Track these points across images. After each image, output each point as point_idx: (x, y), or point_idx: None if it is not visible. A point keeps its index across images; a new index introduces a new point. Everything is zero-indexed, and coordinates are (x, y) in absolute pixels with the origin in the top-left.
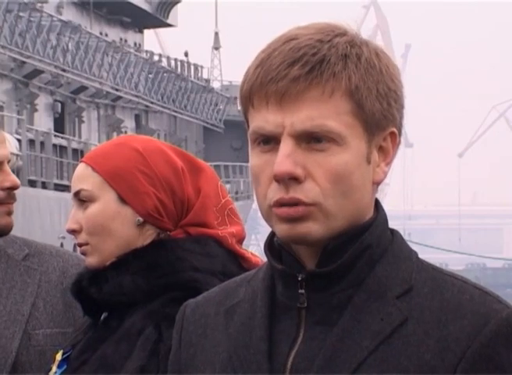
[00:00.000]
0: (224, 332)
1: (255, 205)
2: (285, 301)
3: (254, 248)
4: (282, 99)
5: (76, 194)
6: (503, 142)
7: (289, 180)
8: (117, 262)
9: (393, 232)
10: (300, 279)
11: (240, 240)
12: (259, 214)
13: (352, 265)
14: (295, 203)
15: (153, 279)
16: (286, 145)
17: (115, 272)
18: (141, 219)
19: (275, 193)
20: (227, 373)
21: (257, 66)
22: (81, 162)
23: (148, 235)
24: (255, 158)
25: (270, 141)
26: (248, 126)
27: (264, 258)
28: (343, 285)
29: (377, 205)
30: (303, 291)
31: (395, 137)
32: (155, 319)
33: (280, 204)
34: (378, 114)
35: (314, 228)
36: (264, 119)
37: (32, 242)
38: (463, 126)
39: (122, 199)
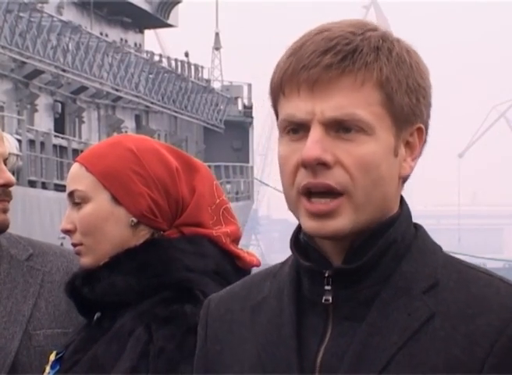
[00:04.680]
0: (251, 329)
1: (255, 206)
2: (312, 297)
3: (254, 248)
4: (314, 86)
5: (71, 195)
6: (503, 142)
7: (317, 165)
8: (110, 262)
9: (417, 227)
10: (326, 275)
11: (235, 239)
12: (259, 214)
13: (378, 261)
14: (324, 189)
15: (145, 279)
16: (316, 132)
17: (107, 272)
18: (135, 220)
19: (303, 178)
20: (257, 371)
21: (290, 56)
22: (75, 161)
23: (142, 235)
24: (284, 146)
25: (299, 130)
26: (277, 117)
27: (262, 257)
28: (369, 281)
29: (401, 200)
30: (329, 287)
31: (422, 134)
32: (146, 320)
33: (308, 190)
34: (407, 108)
35: (342, 224)
36: (295, 107)
37: (37, 242)
38: (463, 127)
39: (116, 200)
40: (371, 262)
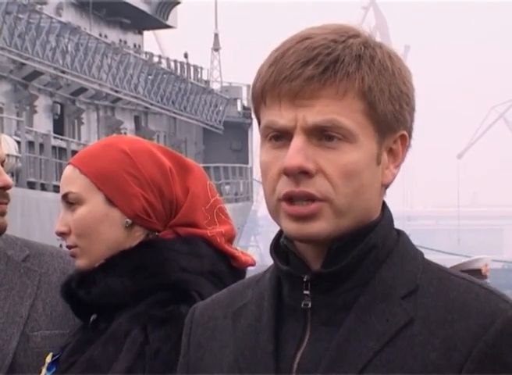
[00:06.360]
0: (231, 334)
1: (254, 206)
2: (291, 302)
3: (254, 249)
4: (296, 98)
5: (64, 197)
6: (503, 143)
7: (299, 174)
8: (105, 264)
9: (400, 232)
10: (305, 280)
11: (230, 239)
12: (258, 215)
13: (357, 265)
14: (306, 197)
15: (141, 280)
16: (298, 140)
17: (102, 274)
18: (129, 221)
19: (284, 186)
20: (234, 374)
21: (271, 65)
22: (69, 163)
23: (137, 236)
24: (265, 153)
25: (282, 137)
26: (259, 123)
27: (261, 258)
28: (348, 286)
29: (383, 206)
30: (308, 291)
31: (405, 140)
32: (142, 321)
33: (290, 198)
34: (390, 116)
35: (323, 227)
36: (277, 114)
37: (33, 243)
38: (462, 127)
39: (110, 201)
40: (350, 266)
